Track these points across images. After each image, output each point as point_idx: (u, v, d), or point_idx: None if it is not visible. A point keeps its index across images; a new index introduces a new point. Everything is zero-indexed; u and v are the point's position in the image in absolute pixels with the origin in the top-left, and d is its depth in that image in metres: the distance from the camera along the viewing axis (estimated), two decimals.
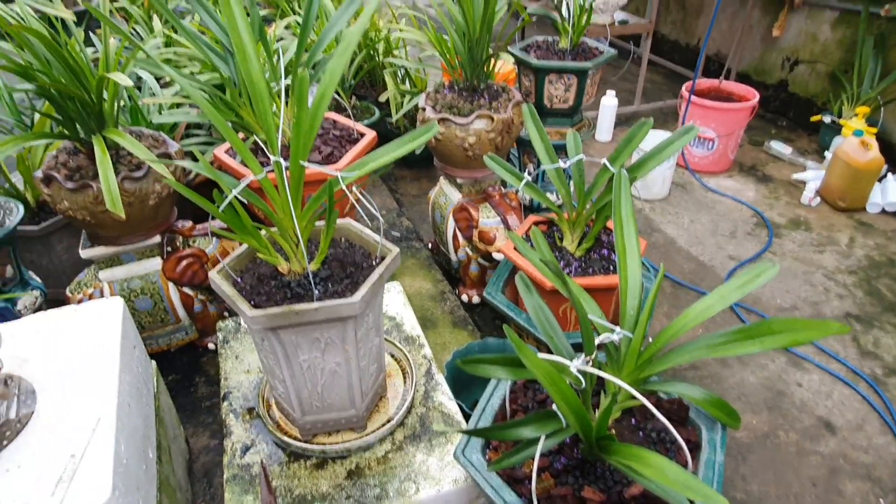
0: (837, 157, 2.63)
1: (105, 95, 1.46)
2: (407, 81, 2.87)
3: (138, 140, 1.64)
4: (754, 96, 2.89)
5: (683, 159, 3.04)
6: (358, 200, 1.06)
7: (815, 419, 1.78)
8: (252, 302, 1.02)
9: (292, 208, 0.99)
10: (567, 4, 1.96)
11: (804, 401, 1.83)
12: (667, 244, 2.55)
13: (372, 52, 2.76)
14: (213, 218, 0.97)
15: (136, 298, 1.74)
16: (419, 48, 2.74)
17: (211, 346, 1.95)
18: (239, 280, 1.08)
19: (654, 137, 2.73)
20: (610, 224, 1.61)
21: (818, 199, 2.78)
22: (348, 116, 2.63)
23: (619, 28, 3.15)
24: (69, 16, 1.11)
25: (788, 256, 2.47)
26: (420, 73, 2.83)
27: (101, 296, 1.70)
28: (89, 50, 2.24)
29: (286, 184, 0.99)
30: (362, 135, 1.81)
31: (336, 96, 2.58)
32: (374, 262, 1.12)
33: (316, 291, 1.04)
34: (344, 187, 0.99)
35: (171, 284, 1.77)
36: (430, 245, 2.36)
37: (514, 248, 1.37)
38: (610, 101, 3.18)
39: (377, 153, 1.01)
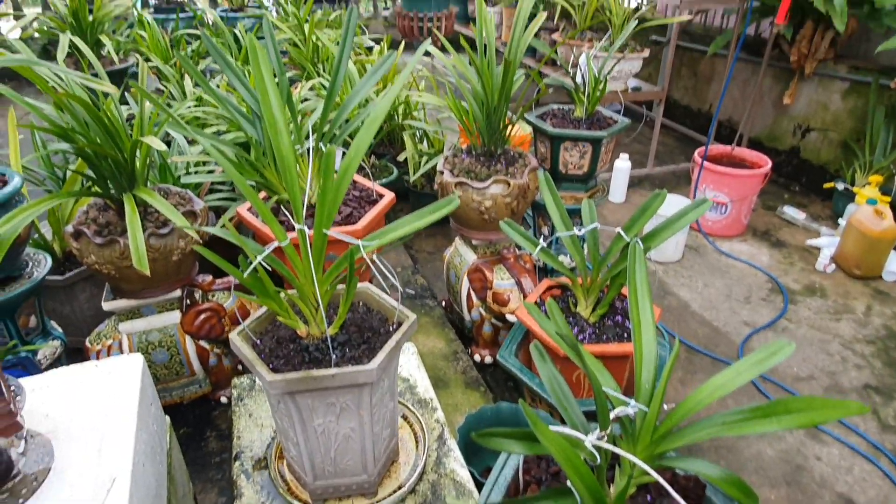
0: (852, 225, 2.64)
1: (137, 155, 1.53)
2: (425, 141, 2.96)
3: (166, 197, 1.69)
4: (767, 163, 2.94)
5: (697, 223, 3.06)
6: (377, 268, 1.09)
7: (836, 496, 1.73)
8: (270, 365, 1.04)
9: (314, 274, 1.02)
10: (582, 75, 2.04)
11: (824, 476, 1.79)
12: (680, 308, 2.55)
13: (392, 113, 2.86)
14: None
15: (154, 351, 1.76)
16: (437, 109, 2.84)
17: (223, 399, 1.95)
18: (258, 342, 1.10)
19: (668, 202, 2.77)
20: (624, 291, 1.62)
21: (833, 265, 2.78)
22: (367, 175, 2.70)
23: (633, 94, 3.24)
24: (114, 90, 1.18)
25: (804, 324, 2.45)
26: (438, 135, 2.92)
27: (120, 348, 1.73)
28: (123, 107, 2.34)
29: (309, 251, 1.02)
30: (381, 196, 1.86)
31: None
32: (391, 328, 1.13)
33: (333, 356, 1.06)
34: (365, 256, 1.02)
35: (188, 338, 1.80)
36: (443, 303, 2.37)
37: (530, 315, 1.38)
38: (623, 163, 3.24)
39: (399, 223, 1.05)
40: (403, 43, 3.51)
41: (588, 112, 1.98)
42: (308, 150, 1.38)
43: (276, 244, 1.02)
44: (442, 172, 1.88)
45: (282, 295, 1.06)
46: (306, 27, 3.32)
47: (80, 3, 2.60)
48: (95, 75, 2.69)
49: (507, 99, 1.81)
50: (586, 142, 1.92)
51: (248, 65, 3.24)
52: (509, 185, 1.81)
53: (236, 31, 3.57)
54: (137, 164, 1.52)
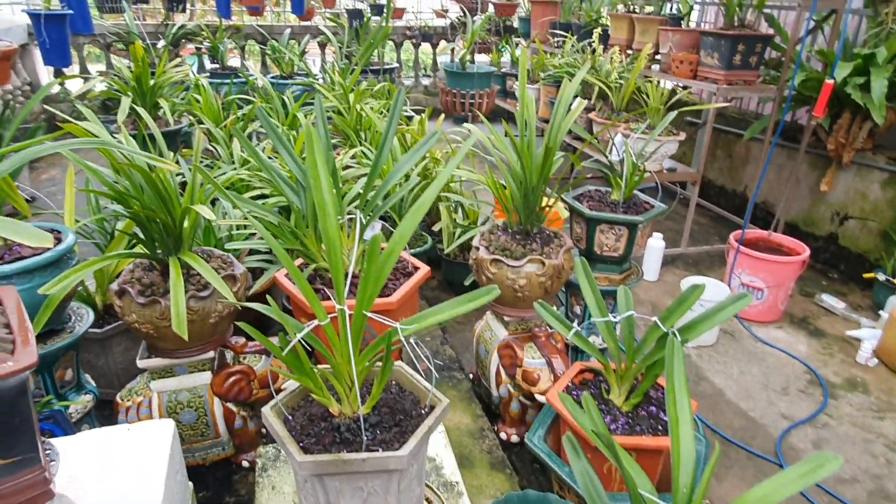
0: (894, 318, 2.56)
1: (186, 220, 1.58)
2: (460, 211, 3.00)
3: (207, 260, 1.74)
4: (804, 250, 2.90)
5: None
6: (413, 351, 1.09)
7: None
8: (301, 444, 1.03)
9: (352, 355, 1.03)
10: (618, 154, 2.07)
11: None
12: (715, 395, 2.47)
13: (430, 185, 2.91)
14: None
15: (182, 411, 1.76)
16: (473, 180, 2.90)
17: (245, 463, 1.93)
18: (290, 418, 1.10)
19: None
20: (660, 381, 1.59)
21: (875, 359, 2.68)
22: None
23: (667, 175, 3.27)
24: (175, 168, 1.24)
25: (846, 421, 2.34)
26: (473, 206, 2.96)
27: (150, 406, 1.74)
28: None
29: (348, 331, 1.03)
30: (416, 268, 1.88)
31: (391, 227, 2.71)
32: (423, 411, 1.12)
33: (365, 438, 1.05)
34: (403, 340, 1.02)
35: (216, 399, 1.80)
36: (471, 375, 2.35)
37: (563, 405, 1.35)
38: (657, 242, 3.23)
39: (438, 309, 1.06)
40: (443, 115, 3.63)
41: (625, 196, 2.01)
42: (349, 220, 1.42)
43: (315, 323, 1.04)
44: (478, 248, 1.90)
45: (315, 369, 1.07)
46: (351, 96, 3.47)
47: (143, 69, 2.77)
48: (152, 136, 2.83)
49: (546, 181, 1.84)
50: (622, 225, 1.93)
51: (293, 130, 3.38)
52: (544, 264, 1.82)
53: (284, 98, 3.74)
54: (185, 228, 1.58)
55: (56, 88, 5.57)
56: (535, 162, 1.85)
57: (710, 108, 2.80)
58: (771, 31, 3.38)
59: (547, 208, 1.85)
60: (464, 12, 6.02)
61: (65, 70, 5.17)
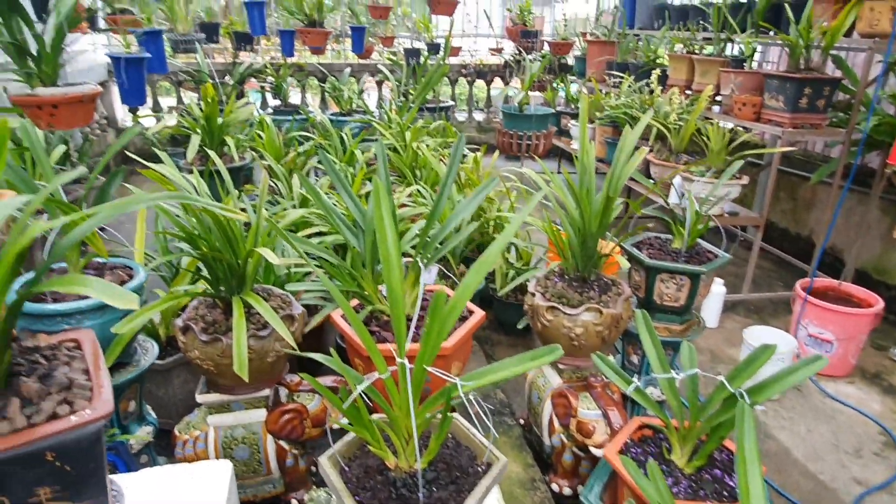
0: None
1: (250, 261, 1.63)
2: (513, 250, 2.99)
3: (267, 299, 1.78)
4: (878, 302, 2.74)
5: (798, 357, 2.86)
6: (473, 408, 1.08)
7: None
8: (357, 497, 1.02)
9: (412, 408, 1.02)
10: (677, 195, 2.02)
11: None
12: (781, 454, 2.34)
13: (483, 227, 2.92)
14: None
15: (237, 447, 1.79)
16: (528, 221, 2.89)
17: (294, 502, 1.93)
18: (346, 469, 1.10)
19: (768, 336, 2.62)
20: (726, 443, 1.51)
21: None
22: (455, 283, 2.74)
23: (729, 219, 3.17)
24: (245, 217, 1.28)
25: None
26: (527, 248, 2.95)
27: (206, 440, 1.77)
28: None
29: (409, 385, 1.03)
30: (471, 312, 1.87)
31: (444, 268, 2.72)
32: (479, 467, 1.10)
33: (421, 495, 1.03)
34: (463, 396, 1.01)
35: (269, 436, 1.82)
36: (521, 421, 2.30)
37: (625, 467, 1.30)
38: (717, 288, 3.12)
39: (500, 366, 1.04)
40: (498, 151, 3.65)
41: (687, 244, 1.95)
42: (406, 264, 1.44)
43: (375, 376, 1.04)
44: (534, 295, 1.88)
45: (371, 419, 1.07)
46: (408, 134, 3.53)
47: (213, 110, 2.90)
48: (218, 172, 2.94)
49: (605, 227, 1.81)
50: (684, 276, 1.88)
51: (351, 166, 3.46)
52: (601, 313, 1.78)
53: (343, 134, 3.85)
54: (249, 269, 1.62)
55: (130, 122, 5.91)
56: (594, 208, 1.82)
57: (776, 152, 2.72)
58: (839, 74, 3.28)
59: (606, 257, 1.81)
60: (519, 51, 6.10)
61: (140, 108, 5.49)
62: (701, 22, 3.81)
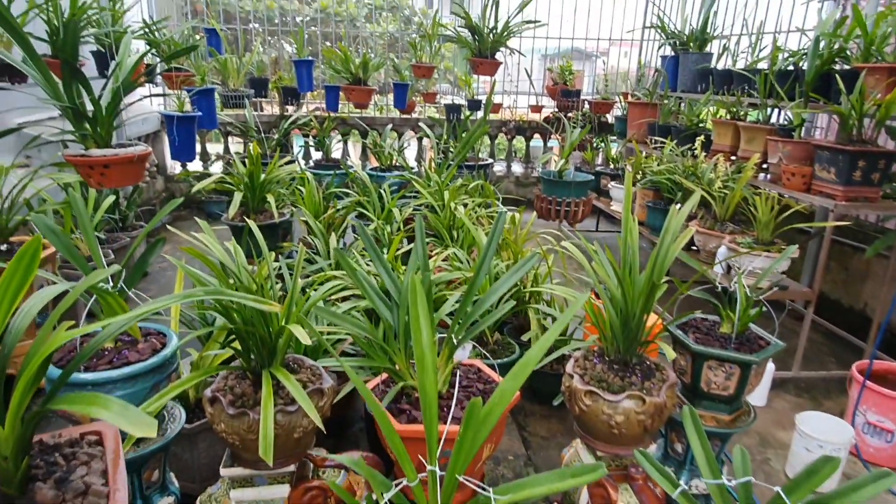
0: None
1: (282, 335, 1.60)
2: (549, 319, 2.91)
3: (298, 369, 1.75)
4: None
5: (856, 449, 2.66)
6: None
7: None
8: None
9: None
10: (721, 267, 1.93)
11: None
12: None
13: (521, 294, 2.85)
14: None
15: None
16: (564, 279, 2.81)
17: None
18: None
19: (823, 424, 2.45)
20: None
21: None
22: (490, 352, 2.67)
23: (778, 293, 3.03)
24: (277, 309, 1.26)
25: None
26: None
27: None
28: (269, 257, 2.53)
29: (438, 495, 0.96)
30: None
31: (480, 342, 2.66)
32: None
33: None
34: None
35: None
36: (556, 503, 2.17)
37: None
38: (766, 365, 2.96)
39: (536, 480, 0.97)
40: (535, 214, 3.62)
41: (737, 330, 1.85)
42: (440, 339, 1.40)
43: (403, 483, 0.98)
44: (572, 376, 1.79)
45: None
46: (446, 194, 3.53)
47: (256, 168, 2.96)
48: (259, 228, 2.96)
49: (649, 309, 1.73)
50: (734, 364, 1.77)
51: (388, 224, 3.47)
52: (644, 401, 1.68)
53: (381, 191, 3.88)
54: (280, 342, 1.59)
55: (178, 169, 6.12)
56: (637, 288, 1.75)
57: (829, 226, 2.60)
58: (892, 146, 3.16)
59: (648, 344, 1.73)
60: (559, 118, 6.14)
61: (189, 164, 5.72)
62: (746, 88, 3.75)
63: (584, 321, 2.58)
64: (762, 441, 2.81)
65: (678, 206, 1.84)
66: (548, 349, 2.63)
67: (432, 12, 5.90)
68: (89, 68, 3.90)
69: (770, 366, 2.97)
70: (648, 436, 1.78)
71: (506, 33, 4.75)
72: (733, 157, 3.69)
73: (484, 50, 4.72)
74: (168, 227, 2.02)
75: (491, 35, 4.70)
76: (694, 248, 3.47)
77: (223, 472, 1.70)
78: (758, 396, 3.04)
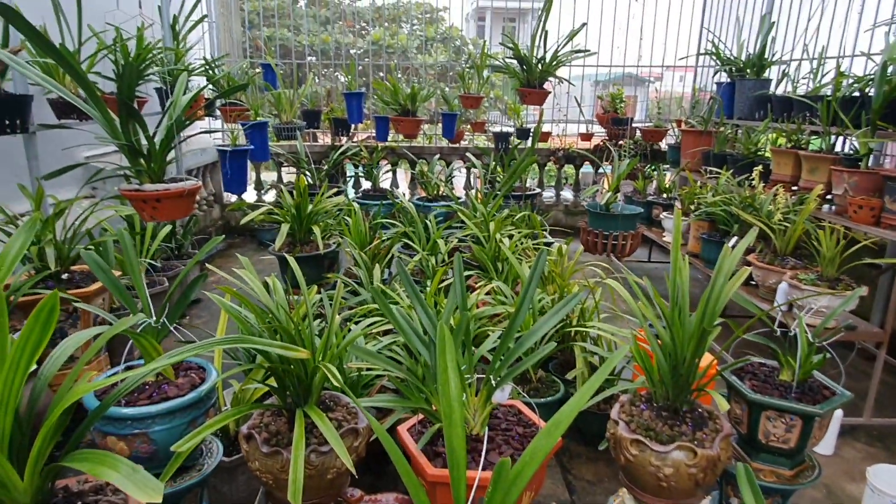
0: None
1: (317, 374, 1.59)
2: (596, 356, 2.80)
3: (334, 407, 1.72)
4: None
5: None
6: None
7: None
8: None
9: None
10: (781, 308, 1.80)
11: None
12: None
13: (566, 331, 2.77)
14: None
15: None
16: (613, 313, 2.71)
17: None
18: None
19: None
20: None
21: None
22: (533, 390, 2.59)
23: (846, 335, 2.83)
24: (304, 356, 1.25)
25: None
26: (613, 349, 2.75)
27: None
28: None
29: None
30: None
31: (520, 380, 2.59)
32: None
33: None
34: None
35: None
36: None
37: None
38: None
39: None
40: (583, 248, 3.53)
41: (798, 378, 1.72)
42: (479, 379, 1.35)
43: None
44: (617, 423, 1.70)
45: None
46: (491, 225, 3.50)
47: (304, 200, 3.01)
48: (306, 258, 3.01)
49: (700, 355, 1.63)
50: (795, 415, 1.64)
51: (433, 255, 3.45)
52: (696, 453, 1.57)
53: (427, 221, 3.88)
54: (316, 380, 1.58)
55: (234, 199, 6.33)
56: (687, 331, 1.66)
57: None
58: None
59: (700, 390, 1.62)
60: (609, 137, 6.04)
61: (242, 196, 5.90)
62: (808, 115, 3.58)
63: (631, 361, 2.46)
64: (829, 494, 2.60)
65: (731, 243, 1.74)
66: (595, 390, 2.52)
67: (483, 42, 5.95)
68: (153, 104, 4.09)
69: (838, 412, 2.76)
70: (701, 489, 1.67)
71: (554, 63, 4.72)
72: (794, 188, 3.51)
73: (532, 80, 4.70)
74: (221, 254, 2.06)
75: (539, 65, 4.69)
76: (752, 282, 3.30)
77: None
78: (824, 445, 2.82)
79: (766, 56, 4.45)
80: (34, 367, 0.75)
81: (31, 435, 0.75)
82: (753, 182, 3.58)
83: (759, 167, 3.60)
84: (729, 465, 1.79)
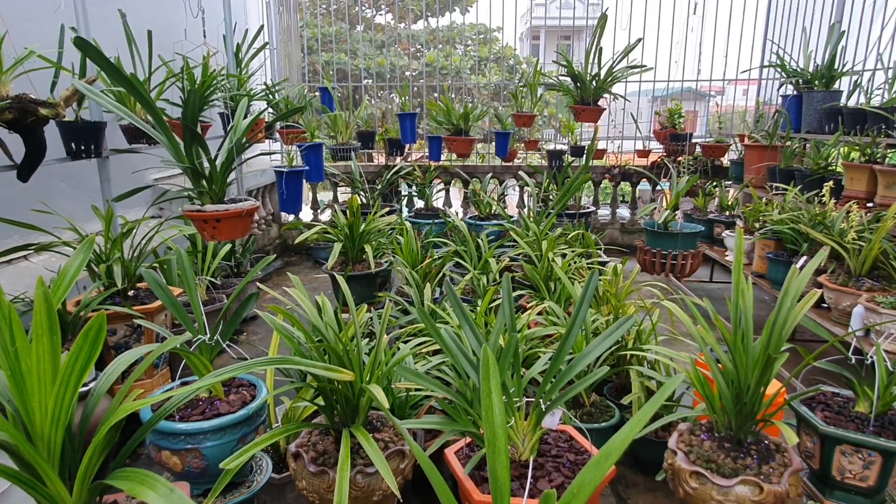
0: None
1: (364, 395, 1.58)
2: (654, 382, 2.69)
3: (381, 427, 1.71)
4: None
5: None
6: None
7: None
8: None
9: None
10: (871, 357, 1.67)
11: None
12: None
13: (621, 353, 2.67)
14: None
15: None
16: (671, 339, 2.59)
17: None
18: None
19: None
20: None
21: None
22: (587, 415, 2.50)
23: None
24: (349, 378, 1.25)
25: None
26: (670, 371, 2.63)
27: None
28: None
29: None
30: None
31: (573, 404, 2.51)
32: None
33: None
34: None
35: None
36: None
37: None
38: None
39: None
40: (640, 267, 3.42)
41: (877, 410, 1.59)
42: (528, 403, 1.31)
43: None
44: (675, 453, 1.61)
45: None
46: (544, 244, 3.44)
47: (357, 220, 3.05)
48: (359, 277, 3.03)
49: (766, 384, 1.53)
50: (873, 451, 1.51)
51: (485, 274, 3.42)
52: (762, 489, 1.47)
53: (479, 240, 3.85)
54: (363, 401, 1.57)
55: (291, 218, 6.50)
56: (750, 357, 1.56)
57: None
58: None
59: (766, 422, 1.52)
60: (668, 153, 5.87)
61: (298, 215, 6.06)
62: (883, 128, 3.37)
63: (694, 386, 2.34)
64: None
65: (799, 264, 1.64)
66: (653, 416, 2.43)
67: (535, 60, 5.93)
68: (217, 128, 4.27)
69: None
70: None
71: (609, 79, 4.65)
72: (869, 205, 3.30)
73: (586, 97, 4.64)
74: (278, 272, 2.11)
75: (594, 82, 4.62)
76: (824, 305, 3.10)
77: None
78: None
79: (835, 67, 4.24)
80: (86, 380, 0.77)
81: (82, 450, 0.77)
82: (824, 198, 3.38)
83: (830, 183, 3.40)
84: (798, 503, 1.66)
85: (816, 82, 4.28)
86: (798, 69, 4.44)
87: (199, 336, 1.60)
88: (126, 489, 0.65)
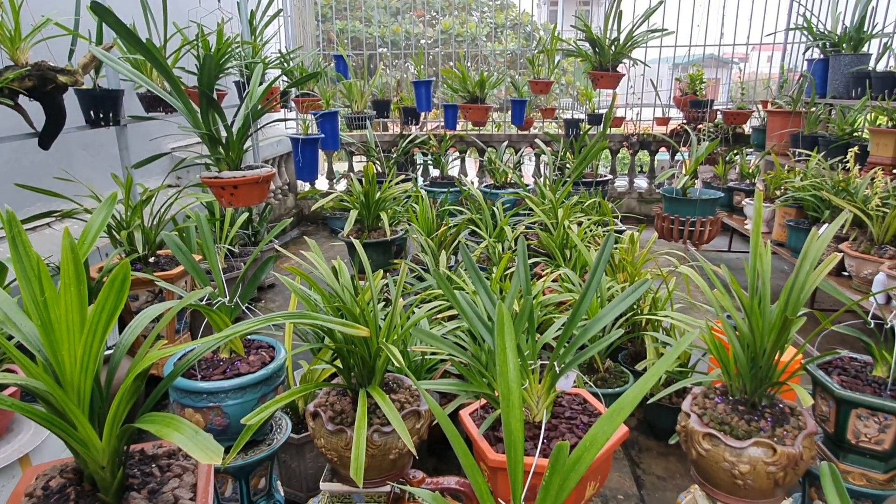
0: None
1: (380, 355, 1.61)
2: (668, 348, 2.69)
3: (397, 389, 1.74)
4: None
5: None
6: None
7: None
8: None
9: None
10: (890, 321, 1.66)
11: None
12: None
13: (637, 319, 2.67)
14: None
15: None
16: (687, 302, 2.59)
17: None
18: None
19: None
20: None
21: None
22: (601, 380, 2.52)
23: None
24: (364, 333, 1.26)
25: None
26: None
27: None
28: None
29: None
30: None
31: (588, 369, 2.53)
32: None
33: None
34: None
35: None
36: None
37: None
38: None
39: None
40: (656, 235, 3.39)
41: (894, 375, 1.58)
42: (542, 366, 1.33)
43: None
44: (688, 415, 1.63)
45: None
46: (560, 212, 3.42)
47: (372, 188, 3.06)
48: (374, 244, 3.05)
49: (782, 347, 1.53)
50: (891, 414, 1.51)
51: (500, 242, 3.42)
52: (775, 451, 1.48)
53: (495, 209, 3.85)
54: (380, 362, 1.60)
55: (307, 187, 6.53)
56: (767, 321, 1.55)
57: None
58: None
59: (782, 384, 1.52)
60: (688, 120, 5.77)
61: (314, 184, 6.09)
62: None
63: (708, 353, 2.35)
64: None
65: (821, 231, 1.62)
66: (666, 381, 2.43)
67: (553, 26, 5.82)
68: (232, 97, 4.27)
69: None
70: (781, 490, 1.57)
71: (629, 44, 4.55)
72: (895, 171, 3.23)
73: (605, 62, 4.55)
74: (294, 241, 2.14)
75: (613, 47, 4.53)
76: (845, 273, 3.07)
77: (323, 486, 1.74)
78: None
79: (864, 29, 4.10)
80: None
81: (109, 400, 0.80)
82: (848, 165, 3.32)
83: (855, 149, 3.33)
84: (813, 465, 1.67)
85: (844, 45, 4.15)
86: (825, 32, 4.30)
87: (219, 298, 1.63)
88: (154, 431, 0.68)
